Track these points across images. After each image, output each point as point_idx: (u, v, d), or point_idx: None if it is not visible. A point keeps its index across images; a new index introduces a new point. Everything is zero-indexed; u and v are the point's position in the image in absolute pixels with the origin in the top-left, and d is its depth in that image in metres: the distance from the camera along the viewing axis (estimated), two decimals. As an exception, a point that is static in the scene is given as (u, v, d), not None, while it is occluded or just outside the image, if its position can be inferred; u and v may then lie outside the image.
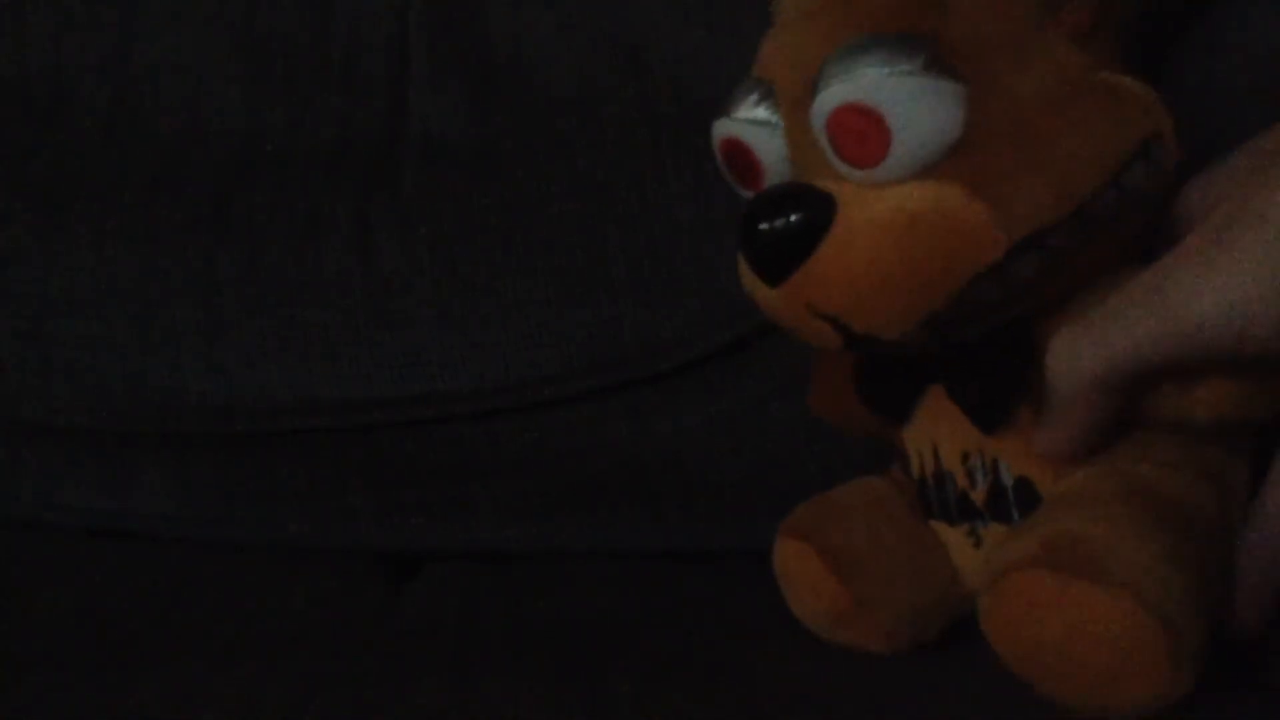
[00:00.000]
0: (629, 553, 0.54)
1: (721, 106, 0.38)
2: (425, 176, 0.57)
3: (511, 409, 0.55)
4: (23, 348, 0.56)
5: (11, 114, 0.60)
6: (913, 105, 0.33)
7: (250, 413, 0.55)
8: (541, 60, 0.58)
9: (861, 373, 0.41)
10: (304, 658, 0.41)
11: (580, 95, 0.57)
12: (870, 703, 0.37)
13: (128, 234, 0.56)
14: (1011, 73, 0.34)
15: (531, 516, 0.55)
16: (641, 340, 0.54)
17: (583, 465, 0.55)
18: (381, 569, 0.53)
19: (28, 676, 0.39)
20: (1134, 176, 0.35)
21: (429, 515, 0.56)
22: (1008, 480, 0.38)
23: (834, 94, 0.34)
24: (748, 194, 0.39)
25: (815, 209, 0.35)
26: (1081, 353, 0.34)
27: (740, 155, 0.38)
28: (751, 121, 0.37)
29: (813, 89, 0.34)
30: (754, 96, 0.37)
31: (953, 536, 0.40)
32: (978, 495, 0.39)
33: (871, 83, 0.33)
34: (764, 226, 0.35)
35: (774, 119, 0.37)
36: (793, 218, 0.35)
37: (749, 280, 0.38)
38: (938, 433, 0.40)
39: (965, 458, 0.39)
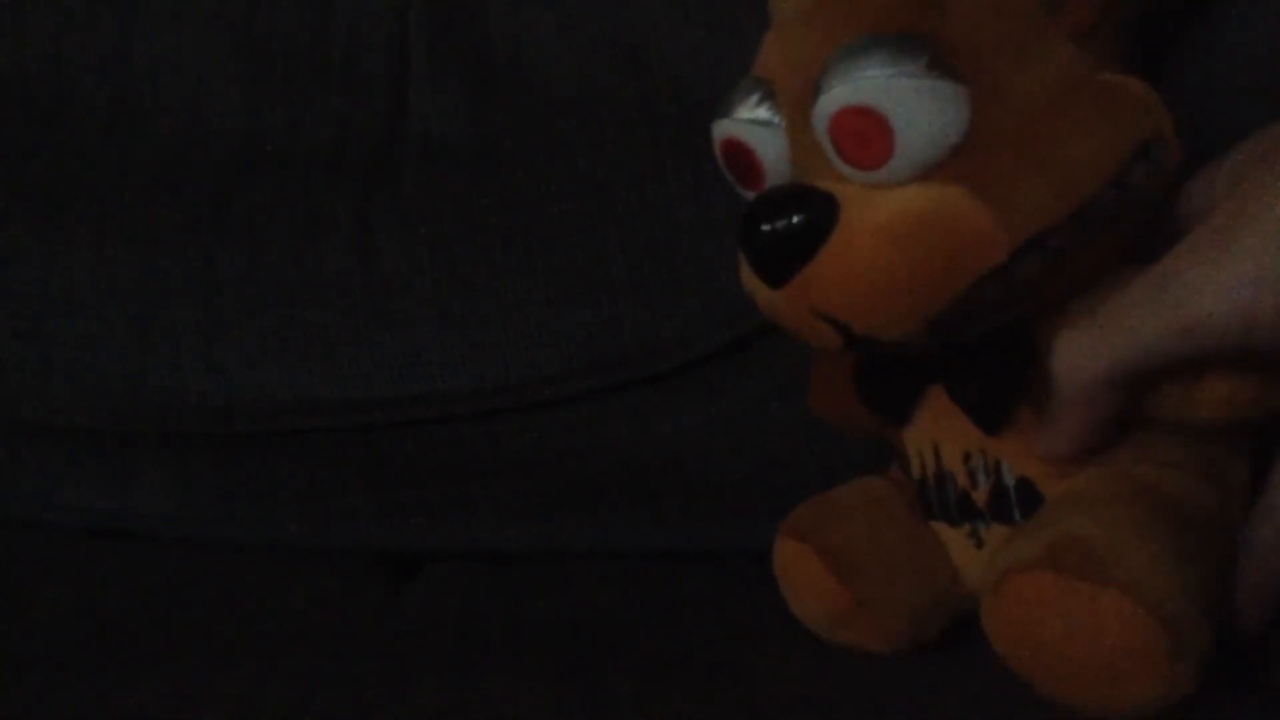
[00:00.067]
0: (629, 553, 0.54)
1: (722, 107, 0.38)
2: (425, 176, 0.57)
3: (511, 409, 0.55)
4: (23, 348, 0.56)
5: (11, 114, 0.60)
6: (916, 107, 0.33)
7: (250, 413, 0.55)
8: (541, 60, 0.58)
9: (862, 373, 0.41)
10: (304, 658, 0.41)
11: (580, 95, 0.57)
12: (870, 703, 0.37)
13: (128, 234, 0.56)
14: (1013, 73, 0.34)
15: (531, 516, 0.55)
16: (641, 340, 0.54)
17: (583, 465, 0.55)
18: (381, 569, 0.53)
19: (28, 676, 0.39)
20: (1135, 177, 0.35)
21: (429, 515, 0.56)
22: (1009, 481, 0.38)
23: (836, 96, 0.34)
24: (748, 195, 0.39)
25: (817, 210, 0.35)
26: (1086, 352, 0.34)
27: (741, 156, 0.38)
28: (752, 122, 0.37)
29: (814, 90, 0.34)
30: (755, 97, 0.37)
31: (954, 537, 0.40)
32: (979, 496, 0.39)
33: (874, 85, 0.33)
34: (766, 228, 0.35)
35: (775, 119, 0.37)
36: (795, 219, 0.35)
37: (750, 281, 0.38)
38: (939, 433, 0.40)
39: (967, 458, 0.39)
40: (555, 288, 0.54)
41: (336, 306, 0.55)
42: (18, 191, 0.58)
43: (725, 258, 0.53)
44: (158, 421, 0.56)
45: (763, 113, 0.37)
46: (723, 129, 0.38)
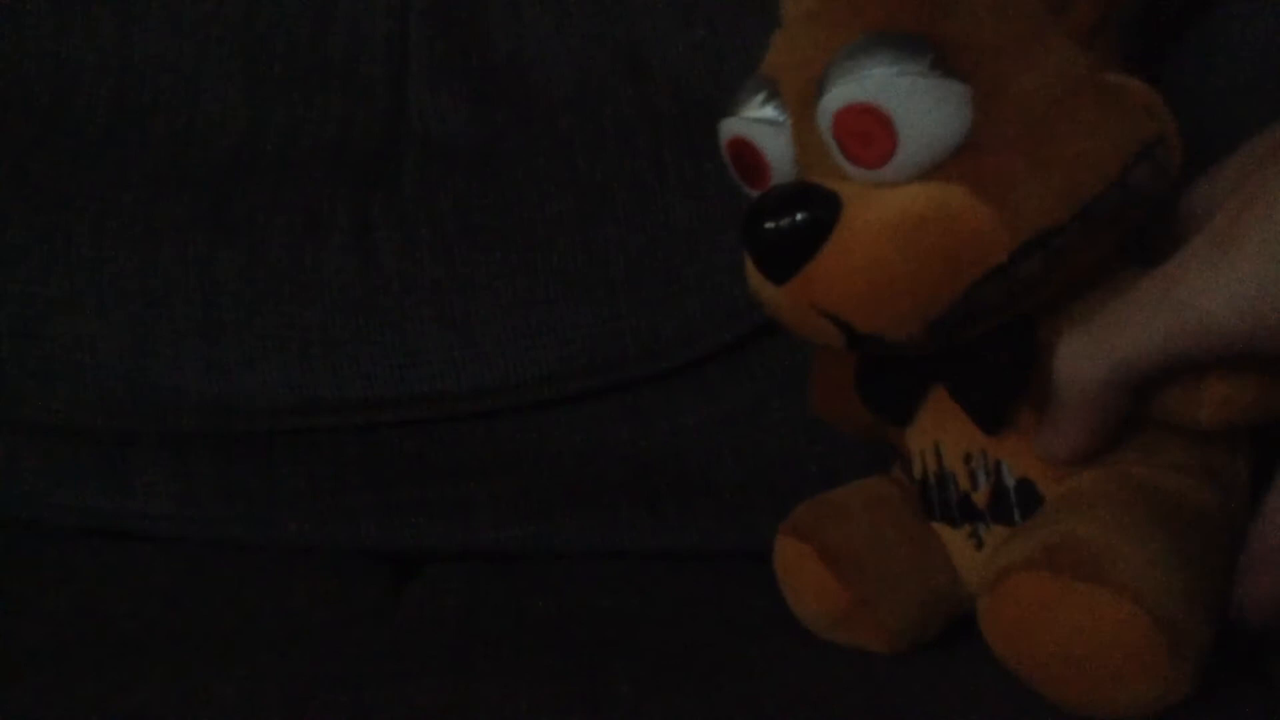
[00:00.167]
0: (629, 553, 0.54)
1: (729, 105, 0.38)
2: (425, 176, 0.57)
3: (511, 409, 0.55)
4: (23, 348, 0.56)
5: (11, 114, 0.60)
6: (919, 106, 0.33)
7: (250, 413, 0.55)
8: (541, 60, 0.58)
9: (863, 374, 0.41)
10: (304, 658, 0.41)
11: (580, 95, 0.57)
12: (870, 703, 0.37)
13: (128, 234, 0.56)
14: (1016, 73, 0.34)
15: (531, 516, 0.55)
16: (641, 340, 0.54)
17: (583, 465, 0.55)
18: (381, 569, 0.53)
19: (28, 676, 0.39)
20: (1138, 177, 0.35)
21: (429, 515, 0.55)
22: (1010, 482, 0.38)
23: (840, 94, 0.34)
24: (754, 193, 0.39)
25: (820, 208, 0.35)
26: (1089, 354, 0.34)
27: (747, 154, 0.38)
28: (758, 121, 0.37)
29: (818, 89, 0.34)
30: (761, 96, 0.37)
31: (954, 538, 0.40)
32: (979, 497, 0.39)
33: (878, 83, 0.33)
34: (769, 225, 0.36)
35: (781, 118, 0.37)
36: (798, 216, 0.35)
37: (755, 278, 0.38)
38: (940, 434, 0.40)
39: (967, 459, 0.39)
40: (555, 288, 0.54)
41: (336, 306, 0.55)
42: (18, 191, 0.58)
43: (724, 258, 0.53)
44: (158, 421, 0.56)
45: (769, 112, 0.37)
46: (729, 128, 0.38)
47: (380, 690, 0.38)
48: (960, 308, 0.34)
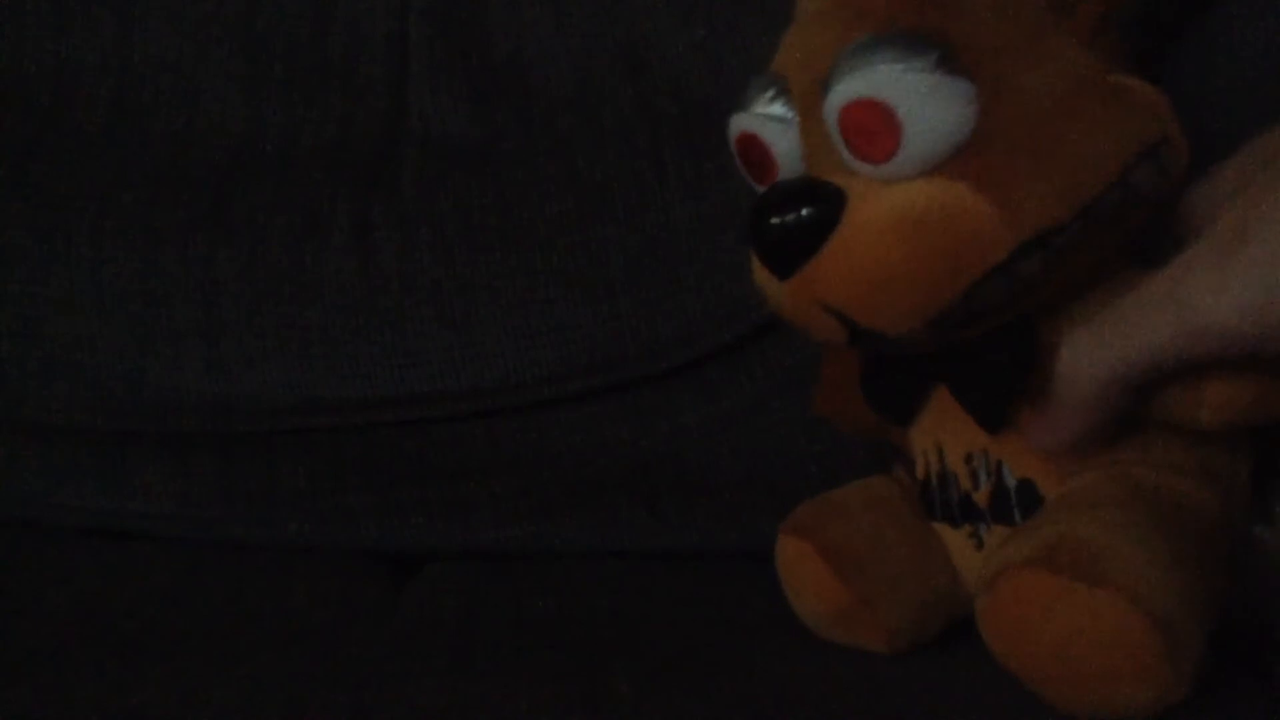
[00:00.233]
0: (629, 553, 0.54)
1: (739, 101, 0.39)
2: (425, 176, 0.57)
3: (511, 409, 0.55)
4: (23, 348, 0.56)
5: (11, 114, 0.60)
6: (924, 102, 0.33)
7: (250, 413, 0.55)
8: (541, 60, 0.58)
9: (867, 374, 0.41)
10: (304, 658, 0.41)
11: (580, 95, 0.57)
12: (870, 703, 0.37)
13: (128, 234, 0.56)
14: (1020, 72, 0.35)
15: (531, 516, 0.55)
16: (641, 340, 0.54)
17: (583, 465, 0.55)
18: (381, 569, 0.53)
19: (28, 676, 0.39)
20: (1140, 177, 0.35)
21: (429, 515, 0.56)
22: (1010, 482, 0.38)
23: (846, 89, 0.34)
24: (761, 189, 0.39)
25: (824, 203, 0.35)
26: (1092, 354, 0.34)
27: (755, 150, 0.38)
28: (767, 117, 0.38)
29: (825, 85, 0.34)
30: (770, 92, 0.38)
31: (955, 538, 0.40)
32: (980, 497, 0.39)
33: (884, 79, 0.33)
34: (774, 220, 0.36)
35: (788, 115, 0.37)
36: (803, 212, 0.35)
37: (760, 274, 0.38)
38: (942, 433, 0.40)
39: (969, 458, 0.39)
40: (555, 288, 0.54)
41: (336, 306, 0.55)
42: (18, 191, 0.58)
43: (725, 257, 0.53)
44: (157, 421, 0.56)
45: (777, 108, 0.37)
46: (739, 123, 0.39)
47: (380, 690, 0.38)
48: (961, 305, 0.34)
